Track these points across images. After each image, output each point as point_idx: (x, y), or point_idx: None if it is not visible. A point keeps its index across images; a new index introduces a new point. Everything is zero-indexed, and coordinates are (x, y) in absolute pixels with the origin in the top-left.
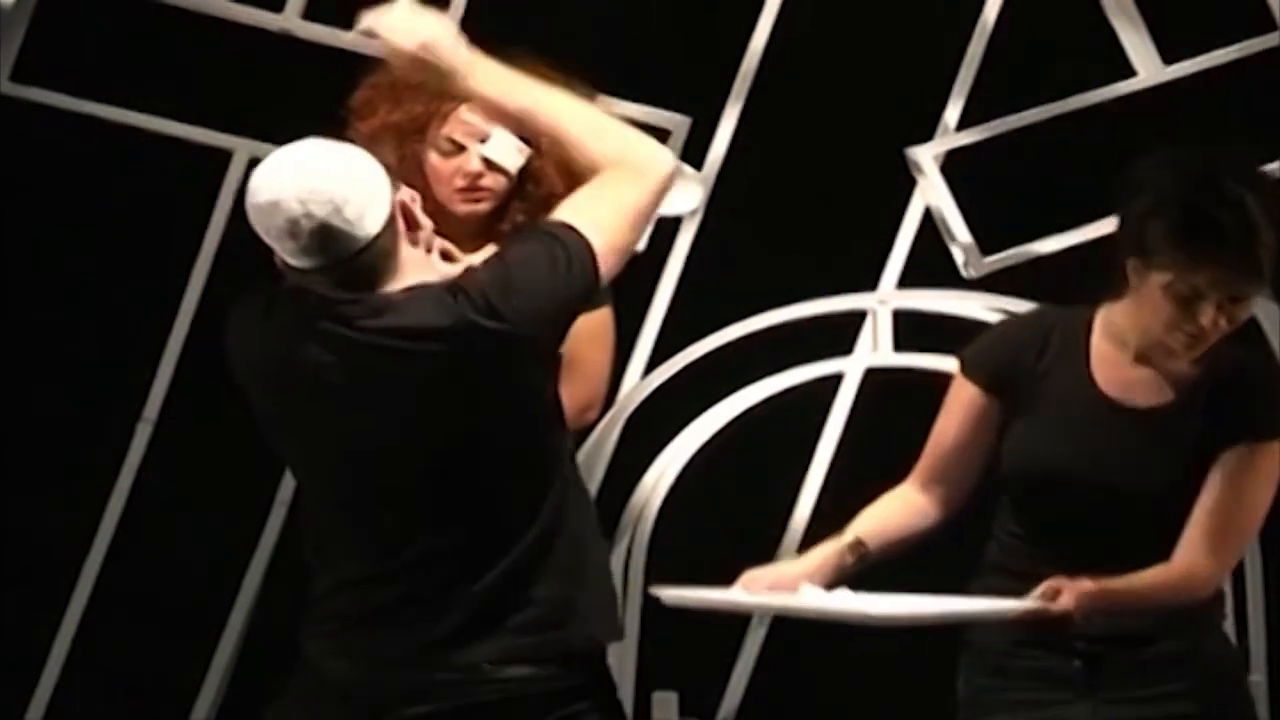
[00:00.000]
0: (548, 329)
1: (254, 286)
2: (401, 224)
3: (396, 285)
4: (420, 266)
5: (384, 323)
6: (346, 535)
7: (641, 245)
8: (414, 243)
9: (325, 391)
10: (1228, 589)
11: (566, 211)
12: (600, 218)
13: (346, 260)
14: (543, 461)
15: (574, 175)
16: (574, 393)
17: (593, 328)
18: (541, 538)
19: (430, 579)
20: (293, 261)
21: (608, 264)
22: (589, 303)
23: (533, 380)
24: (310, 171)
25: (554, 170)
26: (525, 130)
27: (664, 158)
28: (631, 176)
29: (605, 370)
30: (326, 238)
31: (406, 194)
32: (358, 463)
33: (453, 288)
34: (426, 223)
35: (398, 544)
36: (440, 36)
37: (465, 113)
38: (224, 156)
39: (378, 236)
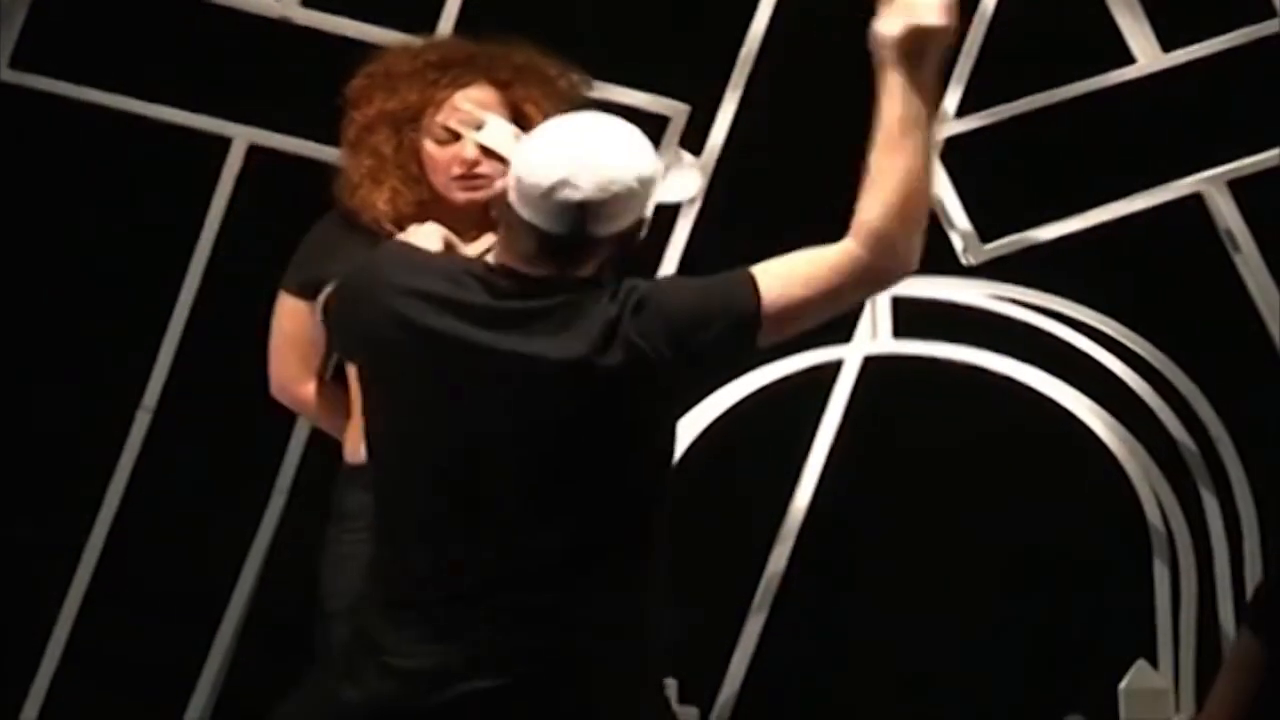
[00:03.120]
0: (680, 360)
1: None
2: (629, 237)
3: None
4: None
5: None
6: (429, 523)
7: (640, 233)
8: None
9: (465, 370)
10: None
11: (762, 266)
12: (785, 284)
13: (571, 239)
14: (652, 475)
15: None
16: None
17: None
18: (636, 544)
19: (509, 572)
20: (523, 210)
21: (768, 325)
22: (738, 353)
23: (655, 412)
24: (611, 149)
25: None
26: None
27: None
28: (858, 260)
29: None
30: (571, 212)
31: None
32: (474, 447)
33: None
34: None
35: (486, 536)
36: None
37: (459, 100)
38: (223, 144)
39: (607, 239)
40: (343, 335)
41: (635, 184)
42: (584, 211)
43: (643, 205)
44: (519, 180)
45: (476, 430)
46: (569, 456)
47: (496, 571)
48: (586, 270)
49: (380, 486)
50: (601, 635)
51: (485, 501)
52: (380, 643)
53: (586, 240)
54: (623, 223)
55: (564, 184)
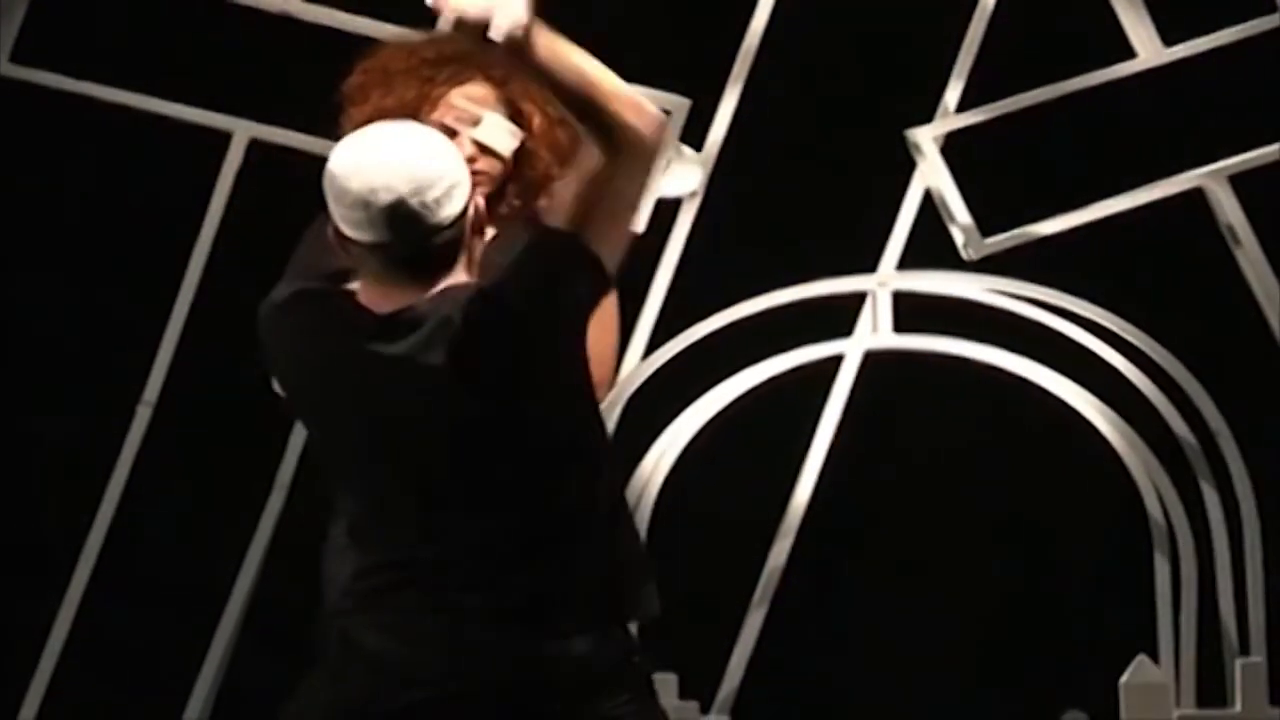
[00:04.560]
0: (562, 314)
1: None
2: (470, 224)
3: (449, 280)
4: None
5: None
6: (387, 519)
7: (641, 227)
8: (473, 248)
9: (358, 384)
10: None
11: (573, 221)
12: (602, 228)
13: (411, 243)
14: (582, 441)
15: (566, 156)
16: None
17: (598, 310)
18: (585, 516)
19: (469, 560)
20: (353, 233)
21: (610, 264)
22: (598, 297)
23: (559, 355)
24: (403, 149)
25: (547, 152)
26: (561, 91)
27: (657, 137)
28: (627, 164)
29: (612, 352)
30: (398, 216)
31: (480, 199)
32: (397, 451)
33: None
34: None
35: (439, 526)
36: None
37: (456, 98)
38: (224, 138)
39: (447, 226)
40: (271, 363)
41: (428, 165)
42: (401, 211)
43: (457, 180)
44: (337, 207)
45: (390, 435)
46: (481, 441)
47: (445, 568)
48: (447, 276)
49: (333, 494)
50: (561, 619)
51: (421, 501)
52: (360, 642)
53: (425, 236)
54: (450, 207)
55: (372, 195)
